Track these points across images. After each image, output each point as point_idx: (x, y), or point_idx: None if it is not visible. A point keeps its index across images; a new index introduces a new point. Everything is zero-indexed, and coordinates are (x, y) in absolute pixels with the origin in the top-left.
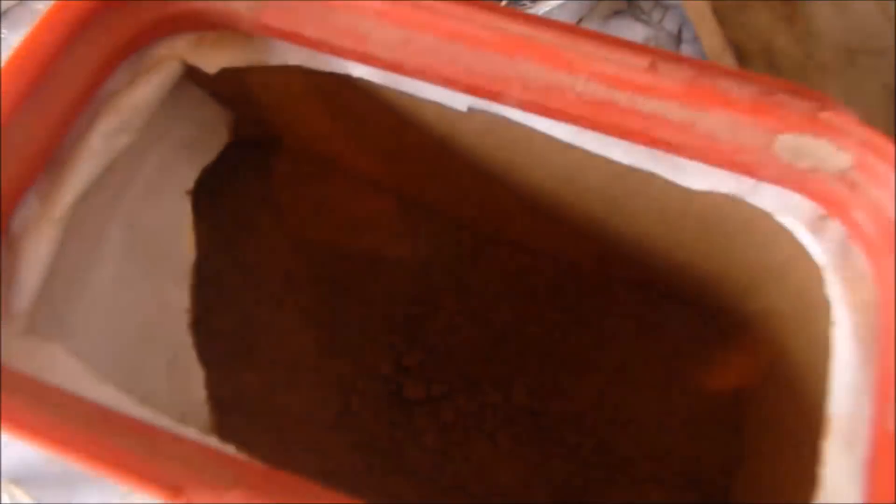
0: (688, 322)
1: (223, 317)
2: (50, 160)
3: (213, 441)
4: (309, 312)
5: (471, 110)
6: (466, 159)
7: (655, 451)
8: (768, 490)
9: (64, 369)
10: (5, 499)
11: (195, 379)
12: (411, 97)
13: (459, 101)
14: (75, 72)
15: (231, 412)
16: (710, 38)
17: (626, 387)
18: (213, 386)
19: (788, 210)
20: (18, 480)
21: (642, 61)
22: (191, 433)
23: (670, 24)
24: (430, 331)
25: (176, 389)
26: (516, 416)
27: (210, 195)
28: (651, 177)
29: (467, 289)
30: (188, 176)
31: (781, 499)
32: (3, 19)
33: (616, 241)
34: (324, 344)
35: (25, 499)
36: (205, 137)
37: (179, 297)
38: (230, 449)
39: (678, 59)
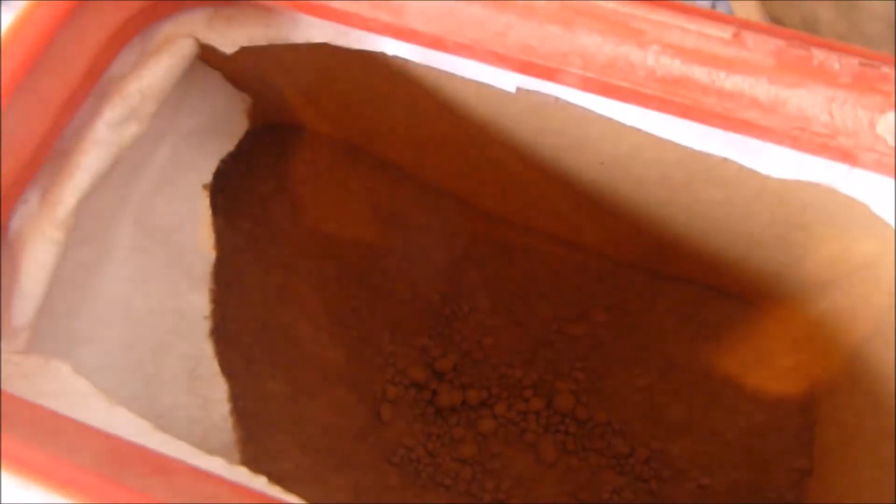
0: (747, 321)
1: (244, 322)
2: (50, 154)
3: (242, 474)
4: (335, 314)
5: (519, 91)
6: (508, 146)
7: (714, 463)
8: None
9: (70, 392)
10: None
11: (217, 391)
12: (451, 77)
13: (507, 81)
14: (75, 53)
15: (255, 424)
16: (748, 11)
17: (679, 392)
18: (235, 397)
19: (889, 200)
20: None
21: (724, 31)
22: (217, 465)
23: None
24: (465, 332)
25: (197, 405)
26: (560, 424)
27: (225, 188)
28: (723, 163)
29: (504, 286)
30: (204, 168)
31: None
32: None
33: (670, 235)
34: (351, 348)
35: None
36: (221, 125)
37: (198, 303)
38: (260, 482)
39: (766, 29)
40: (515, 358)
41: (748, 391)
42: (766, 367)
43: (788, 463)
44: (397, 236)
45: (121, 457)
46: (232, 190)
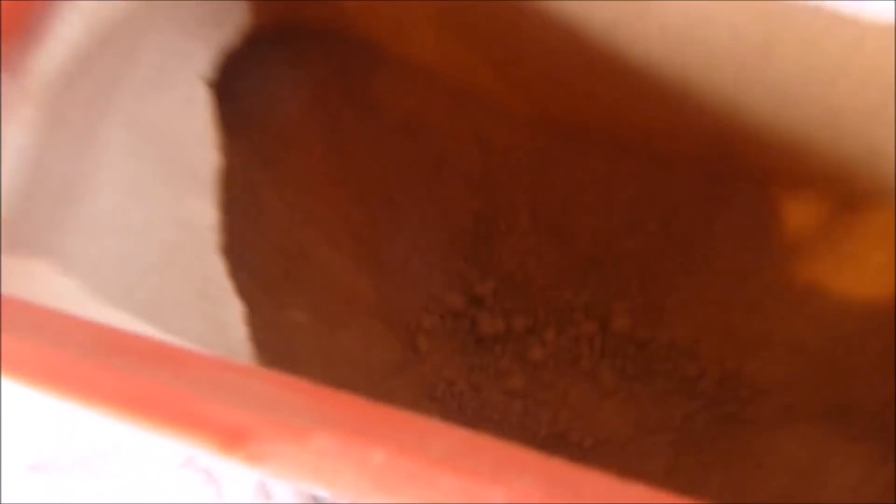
0: (828, 218)
1: (262, 246)
2: (20, 19)
3: (272, 372)
4: (362, 238)
5: None
6: (552, 21)
7: (799, 379)
8: None
9: (61, 294)
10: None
11: (231, 312)
12: None
13: None
14: None
15: (277, 357)
16: None
17: (752, 304)
18: (254, 327)
19: None
20: (38, 466)
21: None
22: (243, 362)
23: None
24: (504, 254)
25: (210, 328)
26: (618, 347)
27: (233, 97)
28: (813, 14)
29: (545, 200)
30: (201, 59)
31: None
32: None
33: (737, 123)
34: (380, 275)
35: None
36: (219, 14)
37: (202, 211)
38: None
39: None
40: (562, 279)
41: (834, 297)
42: (853, 267)
43: (885, 375)
44: (426, 148)
45: (116, 346)
46: (240, 99)
